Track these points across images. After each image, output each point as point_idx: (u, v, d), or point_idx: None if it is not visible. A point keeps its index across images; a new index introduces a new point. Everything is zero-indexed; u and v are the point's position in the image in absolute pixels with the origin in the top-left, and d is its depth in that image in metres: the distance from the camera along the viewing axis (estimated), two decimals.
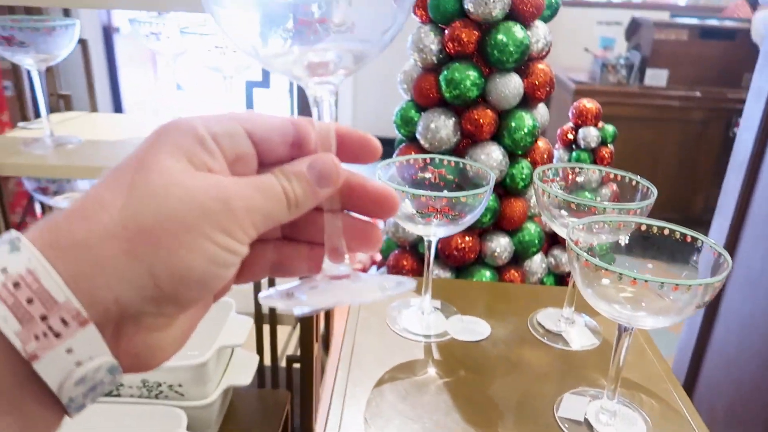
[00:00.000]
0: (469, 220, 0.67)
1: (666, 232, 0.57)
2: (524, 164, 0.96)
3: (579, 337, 0.74)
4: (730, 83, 2.92)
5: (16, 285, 0.22)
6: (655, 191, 0.67)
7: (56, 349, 0.23)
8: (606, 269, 0.49)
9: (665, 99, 2.93)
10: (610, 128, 1.17)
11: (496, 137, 0.95)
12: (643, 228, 0.58)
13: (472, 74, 0.90)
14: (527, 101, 0.95)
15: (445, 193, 0.65)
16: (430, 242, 0.71)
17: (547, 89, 0.95)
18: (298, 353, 1.04)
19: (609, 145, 1.18)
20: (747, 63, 2.77)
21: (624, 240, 0.58)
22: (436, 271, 0.98)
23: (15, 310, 0.22)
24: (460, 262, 0.97)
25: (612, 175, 0.73)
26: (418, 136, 0.96)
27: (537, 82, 0.93)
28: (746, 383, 1.23)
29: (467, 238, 0.96)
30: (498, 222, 0.98)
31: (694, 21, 2.96)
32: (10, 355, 0.22)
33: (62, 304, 0.22)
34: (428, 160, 0.74)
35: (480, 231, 0.98)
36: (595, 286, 0.53)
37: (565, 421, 0.60)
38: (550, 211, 0.69)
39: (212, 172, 0.26)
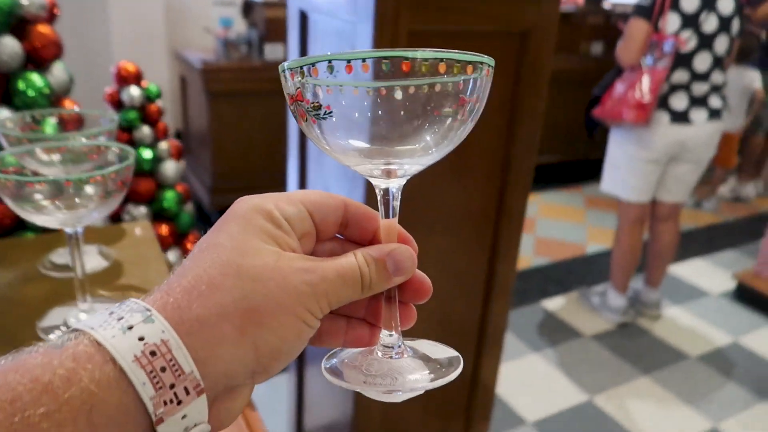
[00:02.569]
0: None
1: None
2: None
3: (90, 263, 0.82)
4: None
5: (153, 354, 0.25)
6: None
7: (176, 415, 0.26)
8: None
9: None
10: (153, 87, 1.28)
11: (7, 100, 0.96)
12: None
13: None
14: (36, 64, 0.99)
15: None
16: None
17: (55, 50, 0.99)
18: None
19: (156, 102, 1.29)
20: None
21: None
22: None
23: (151, 377, 0.25)
24: None
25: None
26: None
27: (40, 45, 0.97)
28: None
29: None
30: None
31: None
32: (143, 416, 0.25)
33: (187, 375, 0.26)
34: None
35: None
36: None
37: (47, 330, 0.68)
38: None
39: (294, 251, 0.30)
